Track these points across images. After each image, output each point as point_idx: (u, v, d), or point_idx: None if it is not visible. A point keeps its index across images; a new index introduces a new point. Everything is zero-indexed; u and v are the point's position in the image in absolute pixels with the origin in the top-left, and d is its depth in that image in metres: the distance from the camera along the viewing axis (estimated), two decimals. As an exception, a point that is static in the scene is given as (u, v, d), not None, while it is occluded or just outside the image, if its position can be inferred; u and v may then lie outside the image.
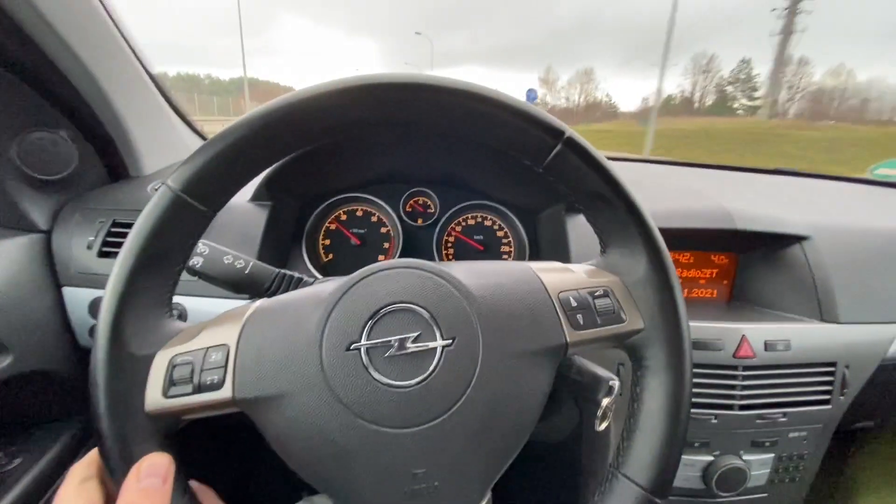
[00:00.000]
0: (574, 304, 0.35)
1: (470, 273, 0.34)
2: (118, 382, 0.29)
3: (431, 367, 0.30)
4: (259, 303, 0.35)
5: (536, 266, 0.37)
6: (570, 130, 0.32)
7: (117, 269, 0.29)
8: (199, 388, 0.30)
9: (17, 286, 0.59)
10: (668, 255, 0.35)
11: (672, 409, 0.34)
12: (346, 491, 0.31)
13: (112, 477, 0.28)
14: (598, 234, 0.39)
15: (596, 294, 0.35)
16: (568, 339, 0.34)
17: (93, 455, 0.30)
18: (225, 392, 0.30)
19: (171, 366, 0.30)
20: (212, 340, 0.32)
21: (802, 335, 0.63)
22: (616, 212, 0.35)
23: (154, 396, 0.30)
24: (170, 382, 0.30)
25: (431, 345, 0.30)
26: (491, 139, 0.33)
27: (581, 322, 0.34)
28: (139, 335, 0.30)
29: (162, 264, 0.31)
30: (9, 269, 0.59)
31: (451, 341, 0.30)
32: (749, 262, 0.76)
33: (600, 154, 0.34)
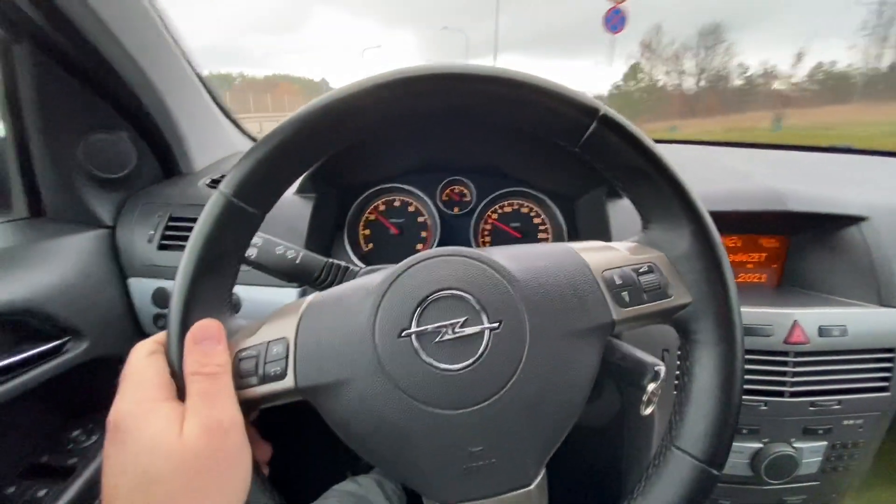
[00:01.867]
0: (619, 281, 0.34)
1: (511, 257, 0.35)
2: None
3: (480, 350, 0.31)
4: (312, 296, 0.36)
5: (577, 246, 0.37)
6: (605, 107, 0.32)
7: (181, 273, 0.31)
8: (264, 379, 0.32)
9: (88, 277, 0.64)
10: (712, 226, 0.35)
11: (725, 381, 0.33)
12: (407, 470, 0.32)
13: None
14: (639, 211, 0.39)
15: (640, 270, 0.35)
16: (615, 317, 0.34)
17: (156, 336, 0.33)
18: (288, 381, 0.32)
19: (237, 360, 0.32)
20: (272, 334, 0.33)
21: (860, 320, 0.60)
22: (656, 186, 0.35)
23: None
24: (237, 376, 0.32)
25: (479, 329, 0.31)
26: (523, 122, 0.33)
27: (627, 299, 0.34)
28: None
29: (219, 266, 0.33)
30: (80, 262, 0.64)
31: (497, 324, 0.31)
32: (801, 246, 0.73)
33: (637, 129, 0.33)
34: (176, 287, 0.31)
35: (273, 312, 0.36)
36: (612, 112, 0.32)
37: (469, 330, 0.31)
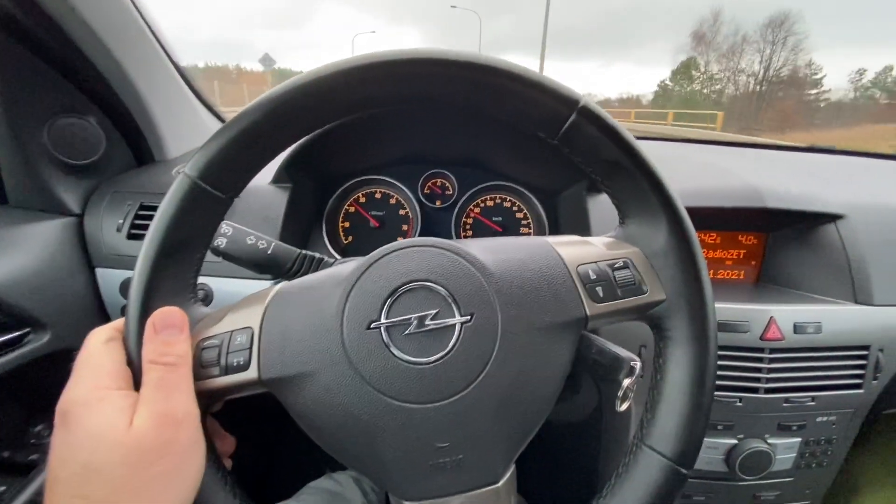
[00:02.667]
0: (593, 276, 0.34)
1: (486, 249, 0.34)
2: None
3: (451, 344, 0.30)
4: (280, 285, 0.35)
5: (553, 240, 0.37)
6: (585, 98, 0.31)
7: (142, 258, 0.30)
8: (227, 370, 0.31)
9: (53, 267, 0.62)
10: (689, 223, 0.34)
11: (697, 379, 0.33)
12: (372, 464, 0.32)
13: None
14: (616, 205, 0.38)
15: (615, 266, 0.35)
16: (588, 312, 0.33)
17: (114, 323, 0.32)
18: (251, 373, 0.31)
19: (199, 350, 0.31)
20: (236, 323, 0.32)
21: (835, 317, 0.61)
22: (634, 180, 0.34)
23: None
24: (198, 366, 0.31)
25: (450, 321, 0.30)
26: (502, 112, 0.32)
27: (601, 294, 0.34)
28: None
29: (184, 251, 0.32)
30: (45, 251, 0.61)
31: (469, 317, 0.31)
32: (779, 243, 0.73)
33: (616, 122, 0.33)
34: (136, 272, 0.30)
35: (239, 301, 0.35)
36: (592, 104, 0.32)
37: (439, 323, 0.30)
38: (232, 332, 0.32)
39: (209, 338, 0.32)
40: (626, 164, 0.33)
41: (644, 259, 0.36)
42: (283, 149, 0.33)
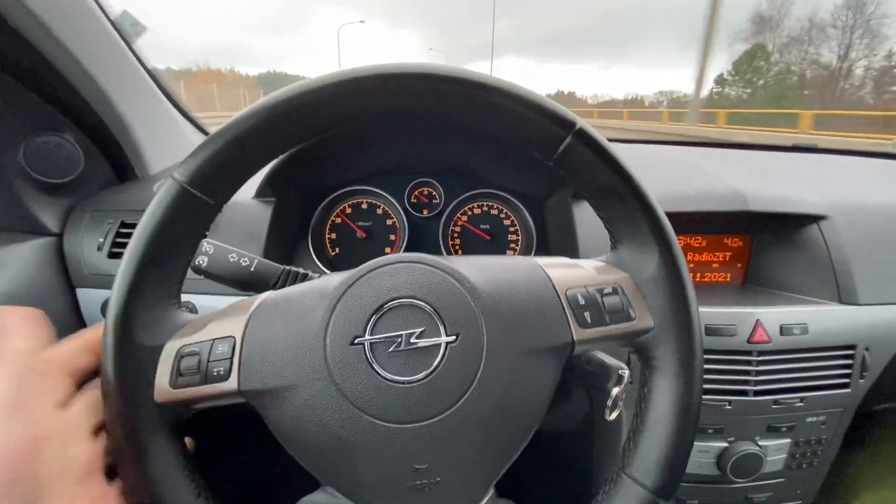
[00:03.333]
0: (582, 301, 0.34)
1: (475, 268, 0.34)
2: (127, 372, 0.30)
3: (435, 364, 0.30)
4: (265, 295, 0.35)
5: (543, 262, 0.36)
6: (582, 122, 0.31)
7: (126, 260, 0.30)
8: (206, 379, 0.31)
9: (32, 289, 0.60)
10: (680, 253, 0.34)
11: (681, 412, 0.33)
12: (348, 483, 0.31)
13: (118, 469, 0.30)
14: (608, 230, 0.38)
15: (605, 292, 0.35)
16: (575, 338, 0.33)
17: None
18: (231, 383, 0.31)
19: (179, 356, 0.31)
20: (218, 332, 0.32)
21: (820, 318, 0.61)
22: (628, 207, 0.34)
23: (162, 386, 0.31)
24: (177, 373, 0.31)
25: (435, 341, 0.30)
26: (499, 130, 0.33)
27: (588, 320, 0.33)
28: (148, 326, 0.31)
29: (170, 256, 0.32)
30: (24, 273, 0.60)
31: (455, 338, 0.30)
32: (764, 245, 0.74)
33: (612, 147, 0.33)
34: (119, 274, 0.30)
35: (223, 309, 0.35)
36: (588, 127, 0.32)
37: (425, 342, 0.30)
38: (214, 340, 0.32)
39: (190, 345, 0.32)
40: (619, 189, 0.33)
41: (634, 286, 0.36)
42: (277, 156, 0.33)
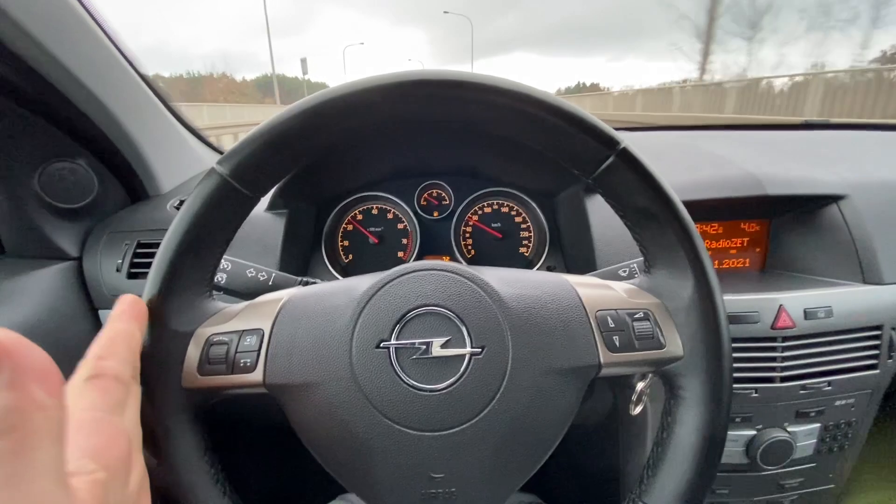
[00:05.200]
0: (612, 324, 0.33)
1: (505, 281, 0.33)
2: (157, 355, 0.30)
3: (458, 374, 0.30)
4: (294, 290, 0.36)
5: (575, 280, 0.36)
6: (626, 142, 0.31)
7: (164, 246, 0.30)
8: (233, 369, 0.31)
9: (54, 314, 0.61)
10: (717, 283, 0.33)
11: (704, 448, 0.32)
12: (363, 484, 0.32)
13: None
14: (642, 252, 0.37)
15: (636, 316, 0.34)
16: (602, 361, 0.32)
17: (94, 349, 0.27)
18: (256, 375, 0.31)
19: (208, 345, 0.32)
20: (248, 324, 0.33)
21: (844, 300, 0.60)
22: (665, 232, 0.33)
23: (190, 372, 0.31)
24: (206, 361, 0.31)
25: (460, 351, 0.30)
26: (540, 144, 0.32)
27: (617, 344, 0.33)
28: (180, 312, 0.32)
29: (206, 245, 0.32)
30: (46, 298, 0.61)
31: (480, 350, 0.30)
32: (782, 228, 0.73)
33: (656, 170, 0.32)
34: (156, 260, 0.31)
35: (253, 300, 0.36)
36: (633, 147, 0.31)
37: (450, 351, 0.30)
38: (242, 331, 0.32)
39: (219, 334, 0.32)
40: (659, 213, 0.33)
41: (665, 312, 0.35)
42: (313, 157, 0.33)
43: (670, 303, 0.35)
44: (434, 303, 0.31)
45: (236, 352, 0.31)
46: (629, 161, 0.31)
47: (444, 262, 0.33)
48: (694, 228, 0.33)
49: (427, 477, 0.30)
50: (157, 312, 0.30)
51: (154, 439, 0.30)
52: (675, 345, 0.34)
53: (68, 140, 0.64)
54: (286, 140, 0.30)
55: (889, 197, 0.66)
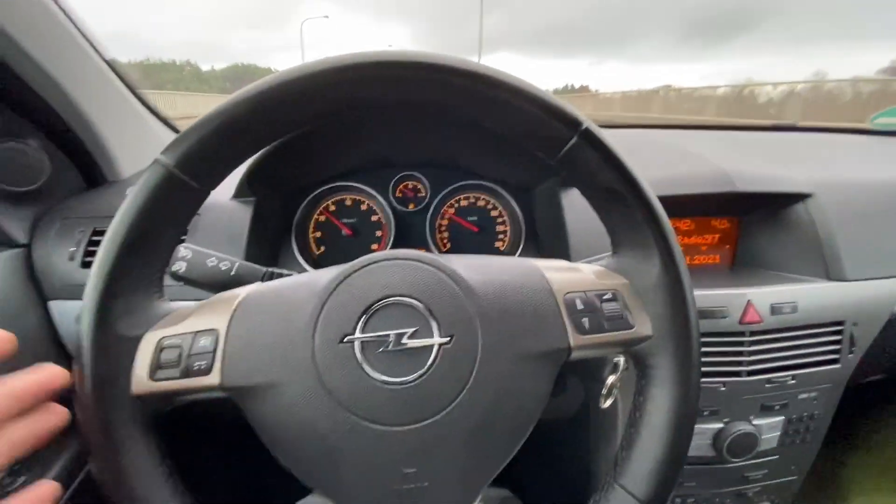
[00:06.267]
0: (580, 306, 0.33)
1: (472, 268, 0.33)
2: (104, 363, 0.28)
3: (427, 365, 0.29)
4: (251, 287, 0.34)
5: (542, 264, 0.36)
6: (588, 122, 0.30)
7: (105, 245, 0.28)
8: (187, 373, 0.29)
9: (2, 304, 0.57)
10: (683, 261, 0.33)
11: (676, 424, 0.32)
12: (333, 485, 0.30)
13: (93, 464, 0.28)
14: (609, 233, 0.37)
15: (604, 297, 0.34)
16: (572, 344, 0.32)
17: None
18: (213, 378, 0.30)
19: (159, 349, 0.30)
20: (201, 324, 0.31)
21: (809, 296, 0.62)
22: (631, 211, 0.33)
23: (141, 378, 0.29)
24: (157, 366, 0.29)
25: (428, 342, 0.29)
26: (502, 127, 0.31)
27: (587, 326, 0.32)
28: (127, 316, 0.30)
29: (152, 243, 0.30)
30: (-9, 287, 0.57)
31: (448, 339, 0.29)
32: (751, 225, 0.74)
33: (618, 148, 0.31)
34: (97, 260, 0.28)
35: (206, 300, 0.34)
36: (595, 127, 0.31)
37: (417, 342, 0.29)
38: (196, 332, 0.30)
39: (171, 337, 0.30)
40: (623, 192, 0.32)
41: (633, 292, 0.35)
42: (269, 143, 0.31)
43: (638, 282, 0.35)
44: (400, 293, 0.30)
45: (189, 355, 0.30)
46: (592, 141, 0.31)
47: (409, 251, 0.32)
48: (659, 207, 0.33)
49: (399, 473, 0.29)
50: (102, 316, 0.28)
51: (104, 452, 0.28)
52: (643, 324, 0.34)
53: (17, 118, 0.60)
54: (236, 127, 0.29)
55: (853, 196, 0.68)
